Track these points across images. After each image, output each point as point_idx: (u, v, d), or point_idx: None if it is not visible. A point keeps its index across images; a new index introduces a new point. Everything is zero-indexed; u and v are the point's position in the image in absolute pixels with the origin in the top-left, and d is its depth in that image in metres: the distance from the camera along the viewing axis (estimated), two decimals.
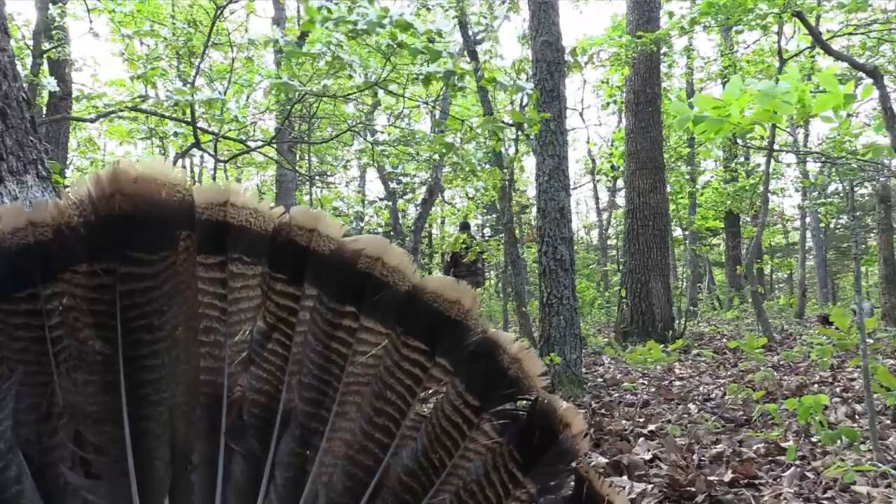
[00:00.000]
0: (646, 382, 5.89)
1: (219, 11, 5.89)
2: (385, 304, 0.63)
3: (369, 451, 0.64)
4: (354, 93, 5.45)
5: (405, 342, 0.63)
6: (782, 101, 1.81)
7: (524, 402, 0.63)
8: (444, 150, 5.52)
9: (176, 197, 0.57)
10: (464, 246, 8.61)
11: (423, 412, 0.64)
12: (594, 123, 32.49)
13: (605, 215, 22.44)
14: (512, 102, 4.72)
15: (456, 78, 4.47)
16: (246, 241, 0.62)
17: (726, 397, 4.83)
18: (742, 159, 18.43)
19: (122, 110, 5.58)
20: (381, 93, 5.19)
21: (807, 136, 17.97)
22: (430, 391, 0.64)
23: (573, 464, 0.62)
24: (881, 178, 9.45)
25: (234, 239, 0.61)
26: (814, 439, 3.44)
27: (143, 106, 6.15)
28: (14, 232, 0.54)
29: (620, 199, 19.05)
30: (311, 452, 0.64)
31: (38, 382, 0.57)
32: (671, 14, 8.46)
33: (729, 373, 6.30)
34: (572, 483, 0.63)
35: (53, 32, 7.33)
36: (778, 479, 2.86)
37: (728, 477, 2.86)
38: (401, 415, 0.64)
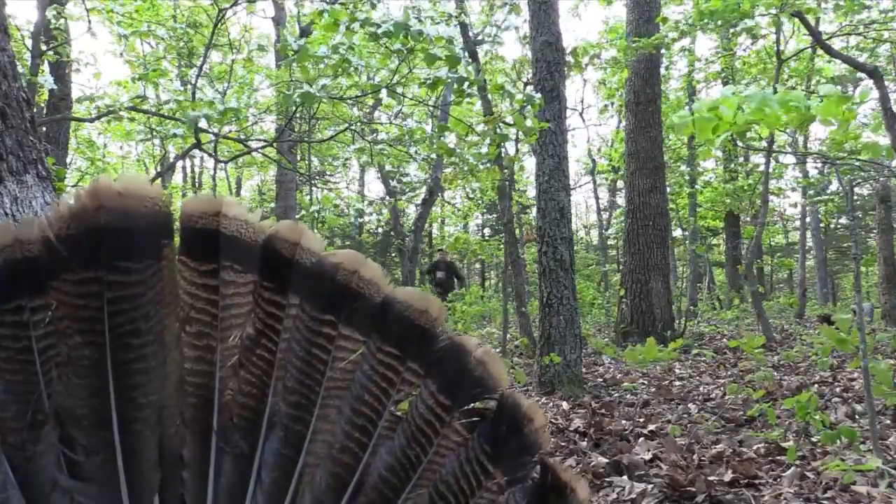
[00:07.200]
0: (646, 382, 5.89)
1: (221, 15, 5.89)
2: (361, 314, 0.67)
3: (350, 450, 0.67)
4: (363, 95, 5.48)
5: (380, 348, 0.67)
6: (768, 107, 1.83)
7: (491, 400, 0.68)
8: (445, 154, 5.53)
9: (154, 209, 0.60)
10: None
11: (398, 413, 0.68)
12: (594, 123, 32.56)
13: (605, 215, 22.44)
14: (520, 110, 4.70)
15: (467, 85, 4.48)
16: (237, 250, 0.64)
17: (726, 397, 4.82)
18: (742, 160, 18.41)
19: (121, 110, 5.58)
20: (383, 93, 5.21)
21: (806, 136, 17.94)
22: (404, 393, 0.68)
23: (538, 454, 0.68)
24: (881, 178, 9.44)
25: (225, 248, 0.64)
26: (814, 439, 3.43)
27: (144, 106, 6.14)
28: (1, 249, 0.57)
29: (620, 199, 19.05)
30: (296, 453, 0.67)
31: (24, 391, 0.59)
32: (664, 20, 8.42)
33: (729, 373, 6.30)
34: (538, 472, 0.68)
35: (54, 33, 7.32)
36: (778, 479, 2.86)
37: (728, 477, 2.86)
38: (377, 416, 0.68)
